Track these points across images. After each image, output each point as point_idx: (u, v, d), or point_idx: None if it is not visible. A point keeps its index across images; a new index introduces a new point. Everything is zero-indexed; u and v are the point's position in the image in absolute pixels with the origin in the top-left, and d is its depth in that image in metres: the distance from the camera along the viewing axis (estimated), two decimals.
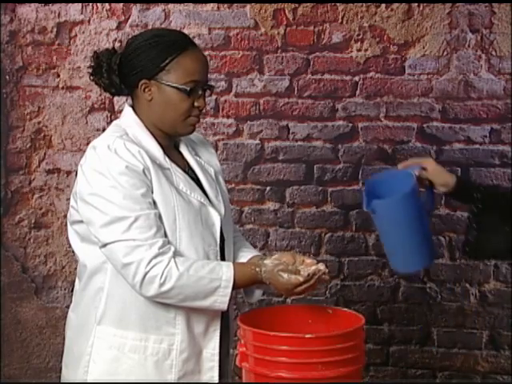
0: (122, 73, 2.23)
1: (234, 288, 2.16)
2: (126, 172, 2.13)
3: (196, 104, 2.22)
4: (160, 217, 2.16)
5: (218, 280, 2.14)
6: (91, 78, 2.28)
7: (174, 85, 2.19)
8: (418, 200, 2.39)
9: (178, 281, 2.11)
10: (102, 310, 2.21)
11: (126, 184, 2.12)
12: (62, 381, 2.33)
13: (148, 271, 2.09)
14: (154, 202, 2.16)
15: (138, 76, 2.21)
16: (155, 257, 2.10)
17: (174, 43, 2.21)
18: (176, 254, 2.14)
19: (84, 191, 2.17)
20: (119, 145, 2.16)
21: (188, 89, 2.19)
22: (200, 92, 2.22)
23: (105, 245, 2.14)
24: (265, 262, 2.20)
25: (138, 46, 2.22)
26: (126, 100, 2.34)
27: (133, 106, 2.28)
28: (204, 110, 2.28)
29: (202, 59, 2.24)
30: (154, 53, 2.20)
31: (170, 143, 2.30)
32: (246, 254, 2.37)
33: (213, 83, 2.29)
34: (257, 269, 2.18)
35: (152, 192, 2.17)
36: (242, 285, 2.21)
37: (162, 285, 2.10)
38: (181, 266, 2.12)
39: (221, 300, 2.15)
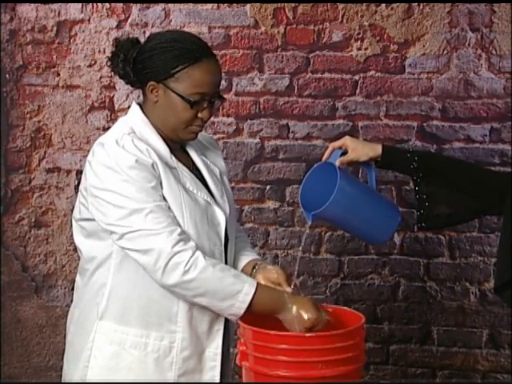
0: (136, 67, 2.23)
1: (253, 299, 2.10)
2: (135, 166, 2.13)
3: (199, 115, 2.21)
4: None
5: (241, 283, 2.11)
6: (107, 63, 2.27)
7: (180, 93, 2.18)
8: (353, 185, 2.34)
9: (202, 272, 2.08)
10: (104, 306, 2.21)
11: (137, 177, 2.12)
12: (63, 377, 2.33)
13: (172, 257, 2.07)
14: (164, 198, 2.16)
15: (147, 76, 2.21)
16: (177, 242, 2.08)
17: (189, 52, 2.19)
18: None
19: (95, 187, 2.16)
20: (127, 141, 2.17)
21: (192, 100, 2.17)
22: (205, 104, 2.21)
23: (122, 236, 2.11)
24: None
25: (155, 47, 2.21)
26: (138, 97, 2.33)
27: (141, 103, 2.28)
28: (209, 120, 2.26)
29: (214, 71, 2.21)
30: (167, 58, 2.19)
31: (176, 143, 2.29)
32: (245, 258, 2.36)
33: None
34: (285, 294, 2.17)
35: (161, 187, 2.17)
36: (262, 301, 2.13)
37: (185, 272, 2.07)
38: (207, 259, 2.10)
39: (238, 305, 2.11)
